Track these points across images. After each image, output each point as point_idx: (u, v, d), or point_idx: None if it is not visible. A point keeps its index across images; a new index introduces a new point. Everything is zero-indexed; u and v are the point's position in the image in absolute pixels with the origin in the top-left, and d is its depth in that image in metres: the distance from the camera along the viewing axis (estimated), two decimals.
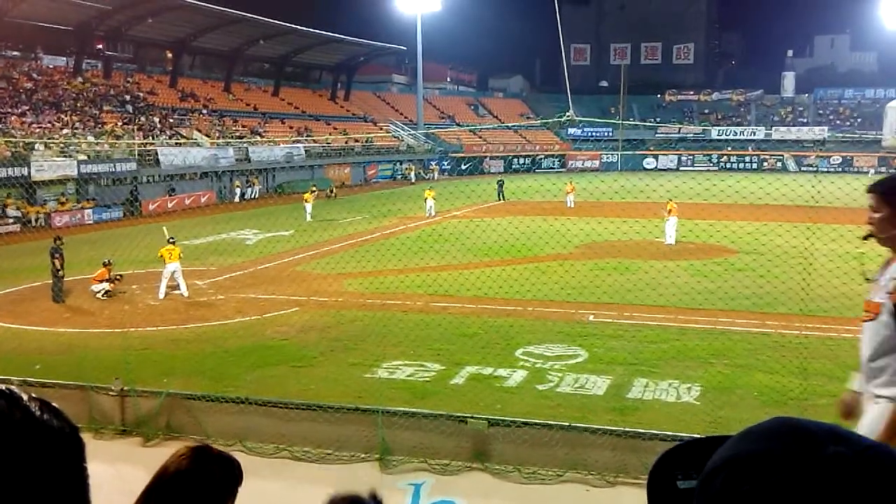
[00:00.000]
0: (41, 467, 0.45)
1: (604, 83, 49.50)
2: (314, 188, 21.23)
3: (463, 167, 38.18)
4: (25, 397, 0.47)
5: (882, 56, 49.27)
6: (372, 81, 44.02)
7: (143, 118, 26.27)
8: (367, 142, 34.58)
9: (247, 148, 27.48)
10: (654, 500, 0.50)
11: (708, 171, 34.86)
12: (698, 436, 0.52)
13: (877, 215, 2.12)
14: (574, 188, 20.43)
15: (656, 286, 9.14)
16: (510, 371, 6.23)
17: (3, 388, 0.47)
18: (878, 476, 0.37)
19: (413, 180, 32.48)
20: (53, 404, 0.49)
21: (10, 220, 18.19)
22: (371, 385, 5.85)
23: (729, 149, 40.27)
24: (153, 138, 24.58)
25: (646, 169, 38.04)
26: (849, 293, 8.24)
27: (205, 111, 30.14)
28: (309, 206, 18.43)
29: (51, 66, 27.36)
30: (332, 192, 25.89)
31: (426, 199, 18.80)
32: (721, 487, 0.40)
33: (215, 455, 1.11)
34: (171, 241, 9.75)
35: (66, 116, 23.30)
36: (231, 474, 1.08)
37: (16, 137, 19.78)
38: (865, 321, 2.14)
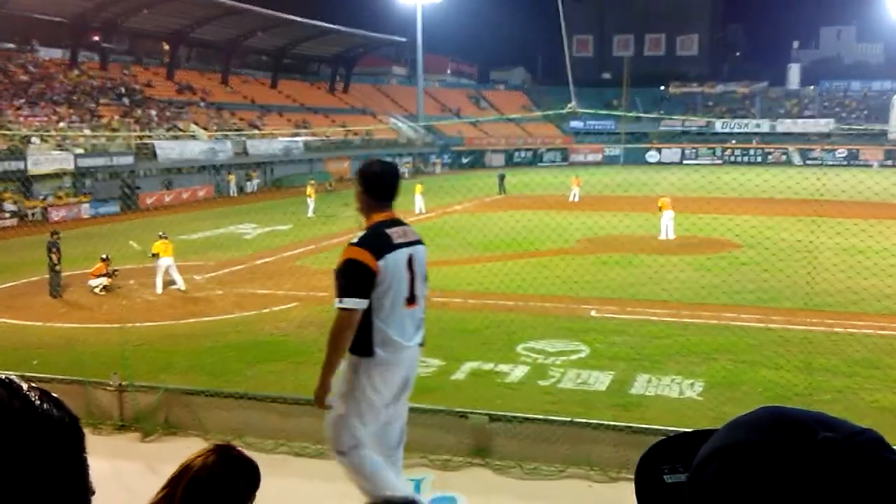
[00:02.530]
0: (41, 457, 0.45)
1: (606, 75, 49.08)
2: (312, 182, 21.08)
3: (464, 160, 37.97)
4: (25, 387, 0.47)
5: (888, 47, 48.88)
6: (371, 73, 43.66)
7: (139, 111, 26.10)
8: (366, 135, 34.35)
9: (245, 141, 27.31)
10: (641, 494, 0.49)
11: (712, 164, 34.73)
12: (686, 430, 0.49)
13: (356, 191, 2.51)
14: (580, 182, 20.26)
15: (659, 281, 9.07)
16: (511, 366, 6.18)
17: (3, 377, 0.46)
18: (869, 459, 0.37)
19: (407, 176, 31.77)
20: (53, 394, 0.47)
21: (7, 215, 18.13)
22: None
23: (733, 142, 40.01)
24: (150, 131, 24.42)
25: (649, 162, 37.86)
26: (854, 287, 8.17)
27: (202, 104, 29.93)
28: (311, 201, 18.28)
29: (47, 59, 27.13)
30: (330, 185, 25.77)
31: (416, 194, 18.32)
32: (711, 478, 0.39)
33: (241, 456, 1.07)
34: (162, 235, 9.70)
35: (62, 109, 23.14)
36: (254, 476, 1.06)
37: (12, 131, 19.64)
38: None
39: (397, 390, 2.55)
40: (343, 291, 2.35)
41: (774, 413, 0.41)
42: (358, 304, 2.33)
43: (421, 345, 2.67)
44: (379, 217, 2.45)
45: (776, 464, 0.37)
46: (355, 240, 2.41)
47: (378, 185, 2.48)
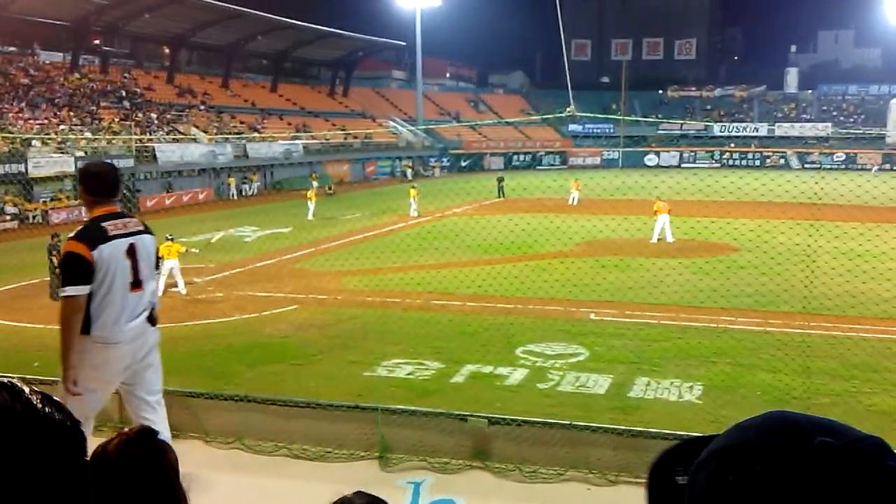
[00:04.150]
0: (43, 460, 0.45)
1: (605, 79, 49.29)
2: (314, 177, 20.93)
3: (463, 164, 38.08)
4: (27, 391, 0.47)
5: (886, 52, 49.12)
6: (371, 77, 43.81)
7: (140, 114, 26.16)
8: (365, 138, 34.41)
9: (245, 144, 27.36)
10: (654, 497, 0.49)
11: (710, 167, 34.82)
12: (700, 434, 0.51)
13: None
14: (579, 185, 20.30)
15: (658, 284, 9.09)
16: (510, 369, 6.19)
17: (6, 381, 0.47)
18: (868, 465, 0.37)
19: (410, 178, 31.56)
20: (55, 398, 0.48)
21: (8, 217, 18.15)
22: (371, 383, 5.82)
23: (731, 145, 40.14)
24: (150, 134, 24.47)
25: (647, 166, 37.97)
26: (852, 291, 8.19)
27: (202, 107, 30.01)
28: (311, 204, 18.16)
29: (47, 62, 27.21)
30: (330, 188, 25.78)
31: (410, 198, 18.22)
32: (709, 478, 0.40)
33: (157, 437, 1.06)
34: (168, 237, 9.70)
35: (63, 112, 23.19)
36: (155, 460, 1.03)
37: (13, 133, 19.68)
38: None
39: (122, 367, 2.82)
40: (65, 281, 2.68)
41: (777, 417, 0.41)
42: (78, 290, 2.63)
43: (152, 325, 2.91)
44: (99, 212, 2.74)
45: (772, 465, 0.37)
46: (73, 234, 2.73)
47: (94, 183, 2.77)
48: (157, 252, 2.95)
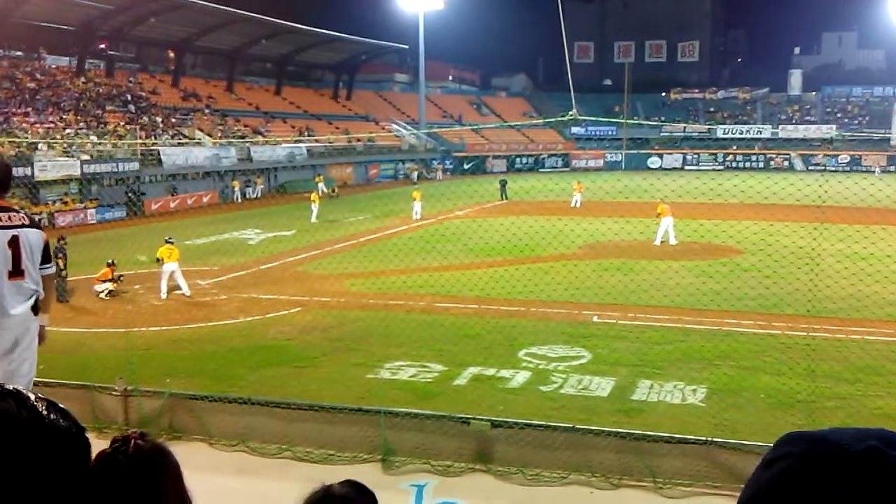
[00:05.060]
0: (48, 466, 0.46)
1: (608, 81, 49.29)
2: (320, 179, 20.87)
3: (465, 166, 38.16)
4: (33, 397, 0.48)
5: (890, 53, 48.93)
6: (374, 80, 43.96)
7: (145, 118, 26.35)
8: (368, 141, 34.54)
9: (249, 147, 27.52)
10: None
11: (714, 170, 34.68)
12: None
13: None
14: (582, 187, 20.30)
15: (661, 287, 9.07)
16: (513, 372, 6.19)
17: (11, 388, 0.48)
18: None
19: (416, 180, 31.65)
20: (60, 405, 0.50)
21: None
22: (374, 385, 5.84)
23: (735, 148, 40.04)
24: (155, 138, 24.65)
25: (650, 168, 37.91)
26: (857, 294, 8.14)
27: (207, 111, 30.21)
28: (315, 207, 18.23)
29: (54, 66, 27.46)
30: (334, 191, 25.89)
31: (413, 200, 18.20)
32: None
33: (150, 442, 1.08)
34: (169, 241, 9.76)
35: (68, 116, 23.40)
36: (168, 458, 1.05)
37: (19, 137, 19.87)
38: None
39: (4, 348, 2.99)
40: None
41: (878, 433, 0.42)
42: None
43: (35, 312, 3.08)
44: None
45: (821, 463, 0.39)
46: None
47: None
48: (46, 246, 3.12)
